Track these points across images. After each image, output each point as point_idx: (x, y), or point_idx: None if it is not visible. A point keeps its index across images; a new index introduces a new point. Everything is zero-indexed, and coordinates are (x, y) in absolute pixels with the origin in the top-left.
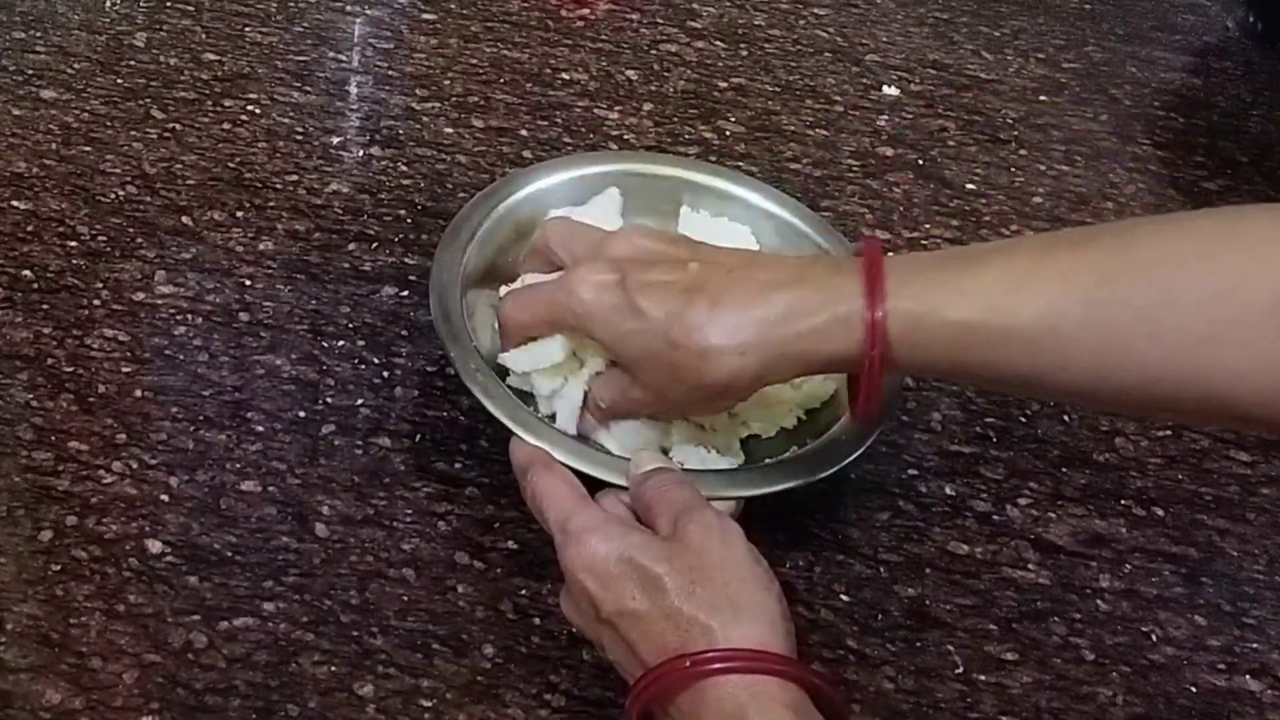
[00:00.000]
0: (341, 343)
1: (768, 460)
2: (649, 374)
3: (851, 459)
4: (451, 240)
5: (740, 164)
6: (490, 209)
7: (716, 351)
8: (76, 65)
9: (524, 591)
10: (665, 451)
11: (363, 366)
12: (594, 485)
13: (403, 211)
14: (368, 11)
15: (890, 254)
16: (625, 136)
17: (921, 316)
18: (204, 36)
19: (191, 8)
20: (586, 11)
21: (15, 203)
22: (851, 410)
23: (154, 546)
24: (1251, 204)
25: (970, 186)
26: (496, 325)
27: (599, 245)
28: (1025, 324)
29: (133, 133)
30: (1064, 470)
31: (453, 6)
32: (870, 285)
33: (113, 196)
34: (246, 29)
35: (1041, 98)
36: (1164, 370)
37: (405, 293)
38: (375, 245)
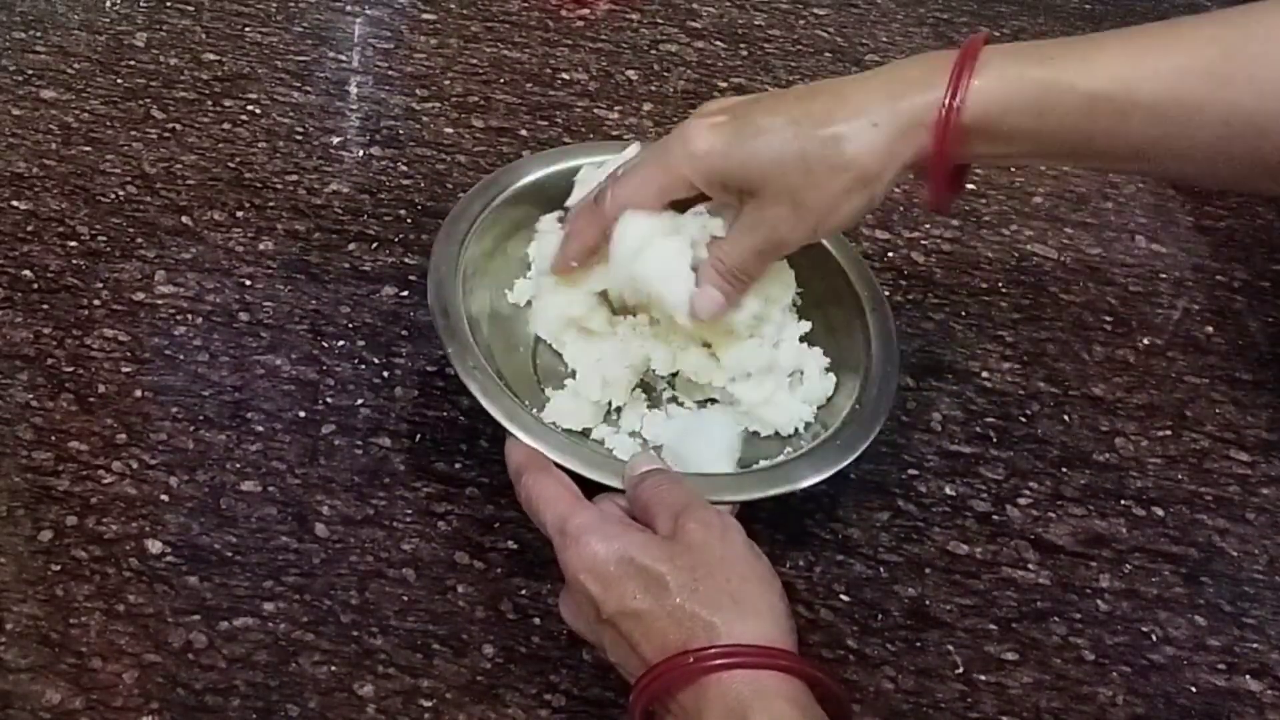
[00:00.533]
0: (341, 343)
1: (763, 463)
2: (780, 184)
3: (848, 463)
4: (449, 235)
5: None
6: (487, 203)
7: (849, 130)
8: (76, 65)
9: (524, 591)
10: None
11: (363, 366)
12: (589, 487)
13: (403, 211)
14: (368, 11)
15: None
16: (625, 136)
17: (1049, 85)
18: (204, 36)
19: (191, 8)
20: (586, 11)
21: (15, 203)
22: (932, 195)
23: (154, 546)
24: None
25: (970, 186)
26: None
27: (685, 124)
28: (1152, 94)
29: (133, 133)
30: (1064, 470)
31: (453, 6)
32: (965, 60)
33: (113, 196)
34: (246, 29)
35: None
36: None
37: (405, 293)
38: (375, 245)
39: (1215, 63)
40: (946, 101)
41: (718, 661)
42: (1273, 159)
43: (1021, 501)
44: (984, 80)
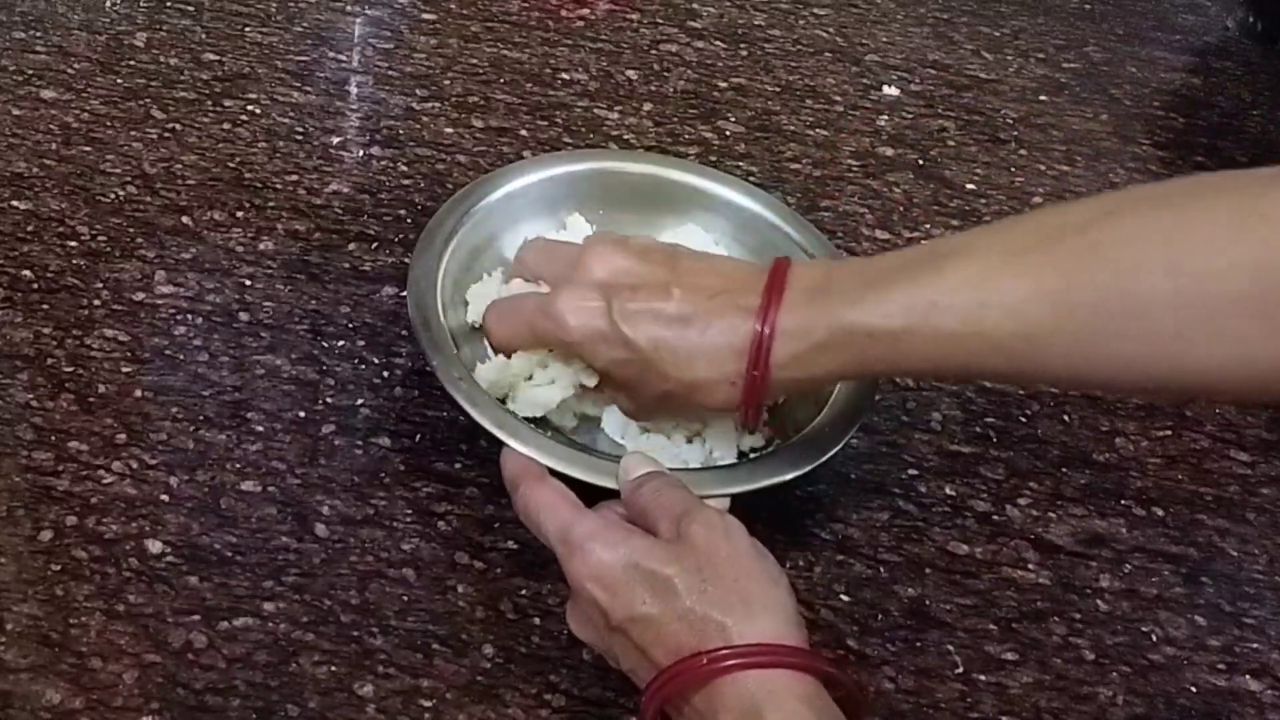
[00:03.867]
0: (341, 343)
1: (753, 455)
2: (640, 395)
3: (836, 449)
4: (427, 246)
5: (740, 164)
6: (464, 213)
7: (707, 383)
8: (76, 65)
9: (524, 591)
10: None
11: (363, 366)
12: (584, 489)
13: (403, 211)
14: (368, 11)
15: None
16: (625, 136)
17: (899, 336)
18: (204, 36)
19: (191, 8)
20: (586, 11)
21: (15, 203)
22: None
23: (154, 546)
24: (1215, 180)
25: (970, 186)
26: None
27: (578, 264)
28: (1000, 332)
29: (133, 133)
30: (1064, 470)
31: (453, 6)
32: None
33: (113, 196)
34: (246, 29)
35: (1041, 98)
36: (1141, 366)
37: (405, 292)
38: (375, 245)
39: (1055, 295)
40: (762, 362)
41: (730, 662)
42: (1133, 380)
43: (1021, 501)
44: (840, 338)
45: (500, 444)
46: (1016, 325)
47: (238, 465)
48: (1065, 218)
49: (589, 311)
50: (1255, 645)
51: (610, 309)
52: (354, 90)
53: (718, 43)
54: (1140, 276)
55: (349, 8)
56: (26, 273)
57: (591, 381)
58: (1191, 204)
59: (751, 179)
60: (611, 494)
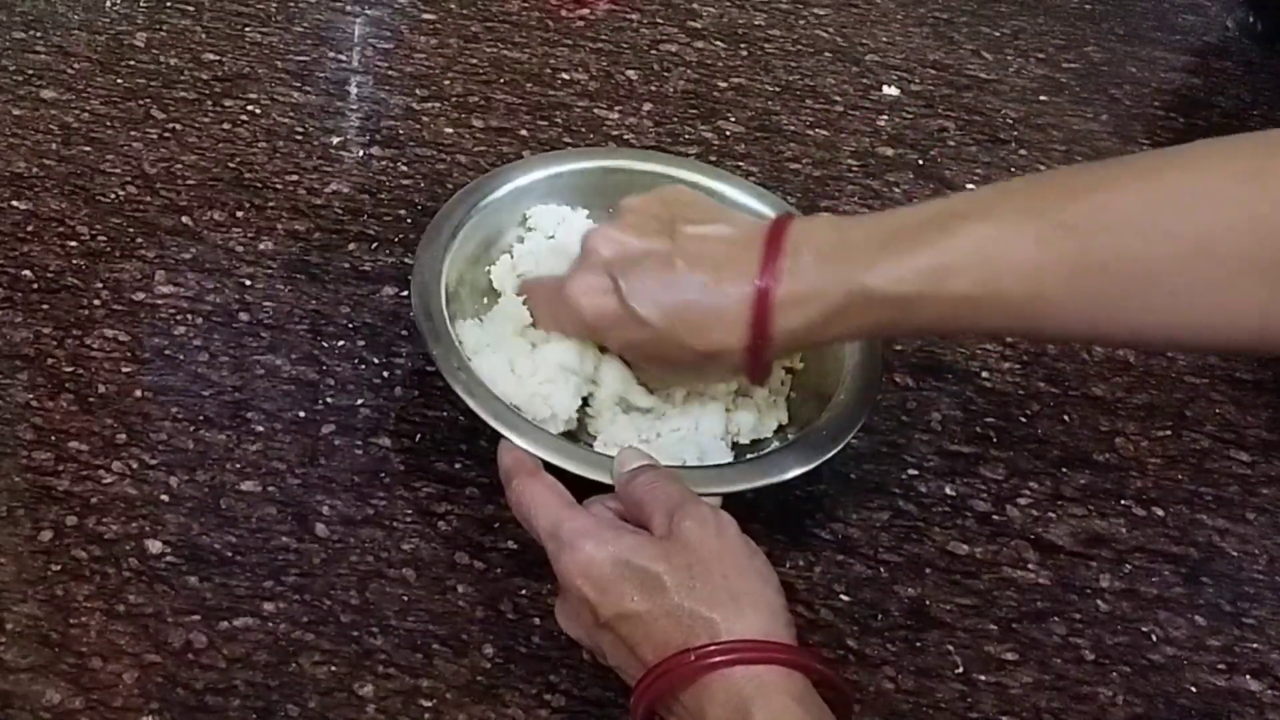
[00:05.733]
0: (341, 343)
1: (750, 455)
2: (661, 367)
3: (835, 451)
4: (432, 239)
5: (740, 164)
6: (470, 207)
7: (725, 350)
8: (76, 65)
9: (524, 591)
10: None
11: (363, 366)
12: (579, 484)
13: (403, 211)
14: (368, 11)
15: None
16: (625, 136)
17: (909, 300)
18: (204, 36)
19: (191, 8)
20: (586, 11)
21: (15, 203)
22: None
23: (154, 546)
24: (1223, 143)
25: (970, 186)
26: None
27: (584, 251)
28: (1014, 296)
29: (133, 133)
30: (1064, 470)
31: (453, 6)
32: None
33: (113, 196)
34: (246, 29)
35: (1041, 98)
36: (1153, 326)
37: (405, 293)
38: (375, 245)
39: (1071, 258)
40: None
41: (718, 659)
42: (1139, 338)
43: (1021, 501)
44: (847, 302)
45: (500, 439)
46: (1029, 288)
47: (238, 465)
48: (1078, 179)
49: (600, 294)
50: (1255, 645)
51: (619, 288)
52: (354, 90)
53: (718, 43)
54: (1151, 238)
55: (349, 8)
56: (26, 273)
57: (589, 370)
58: (1203, 164)
59: (752, 179)
60: (606, 489)
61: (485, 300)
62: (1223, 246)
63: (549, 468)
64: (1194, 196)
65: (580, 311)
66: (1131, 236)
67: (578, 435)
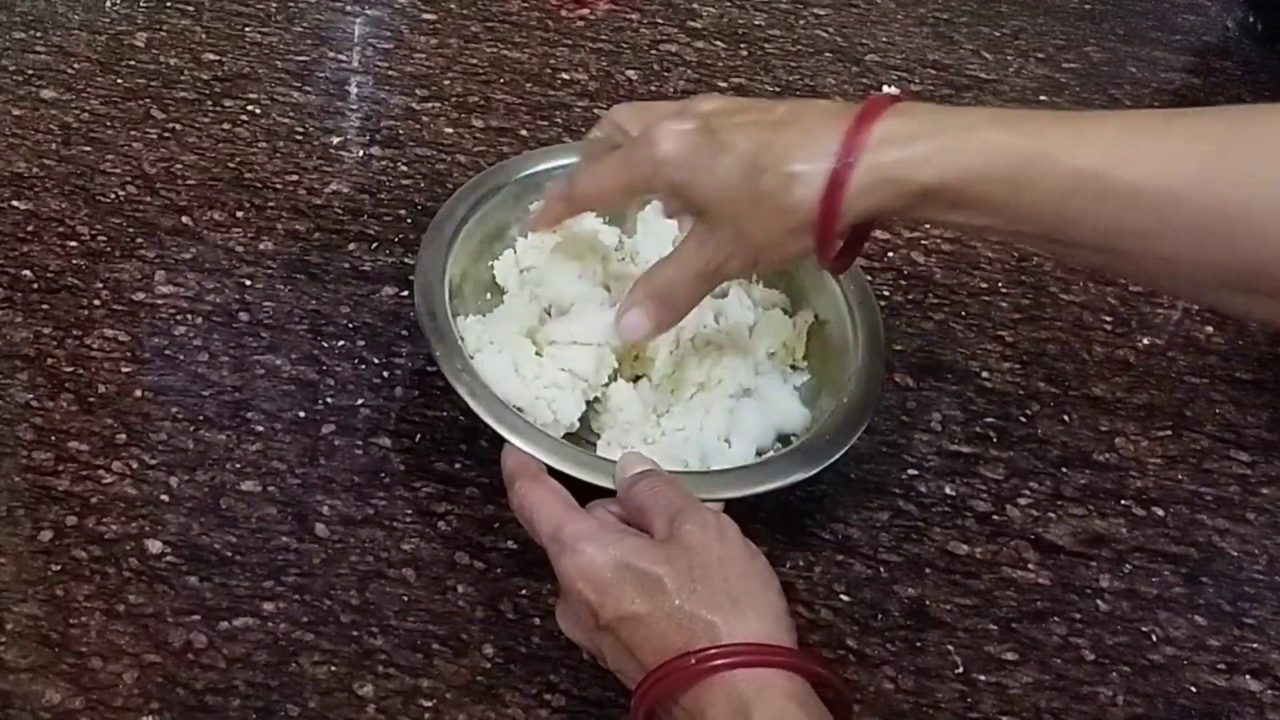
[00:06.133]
0: (341, 343)
1: (754, 459)
2: (728, 210)
3: (836, 458)
4: (435, 237)
5: None
6: (472, 205)
7: (807, 173)
8: (76, 65)
9: (524, 591)
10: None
11: (363, 366)
12: (582, 489)
13: (403, 211)
14: (368, 11)
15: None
16: None
17: (1033, 159)
18: (204, 36)
19: (191, 8)
20: (586, 11)
21: (15, 203)
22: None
23: (154, 546)
24: None
25: None
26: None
27: (682, 105)
28: (1140, 178)
29: (133, 133)
30: (1064, 470)
31: (453, 6)
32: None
33: (113, 196)
34: (246, 29)
35: (1041, 98)
36: (1269, 247)
37: (405, 293)
38: (375, 245)
39: (1208, 156)
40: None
41: (719, 661)
42: (1243, 267)
43: (1021, 501)
44: (963, 142)
45: (502, 439)
46: (1163, 177)
47: (238, 465)
48: (1218, 107)
49: (685, 133)
50: (1255, 645)
51: (709, 125)
52: (354, 90)
53: (718, 43)
54: None
55: (349, 8)
56: (26, 273)
57: (602, 379)
58: None
59: None
60: (609, 493)
61: (489, 296)
62: None
63: (552, 472)
64: None
65: (657, 146)
66: (1275, 150)
67: (581, 435)
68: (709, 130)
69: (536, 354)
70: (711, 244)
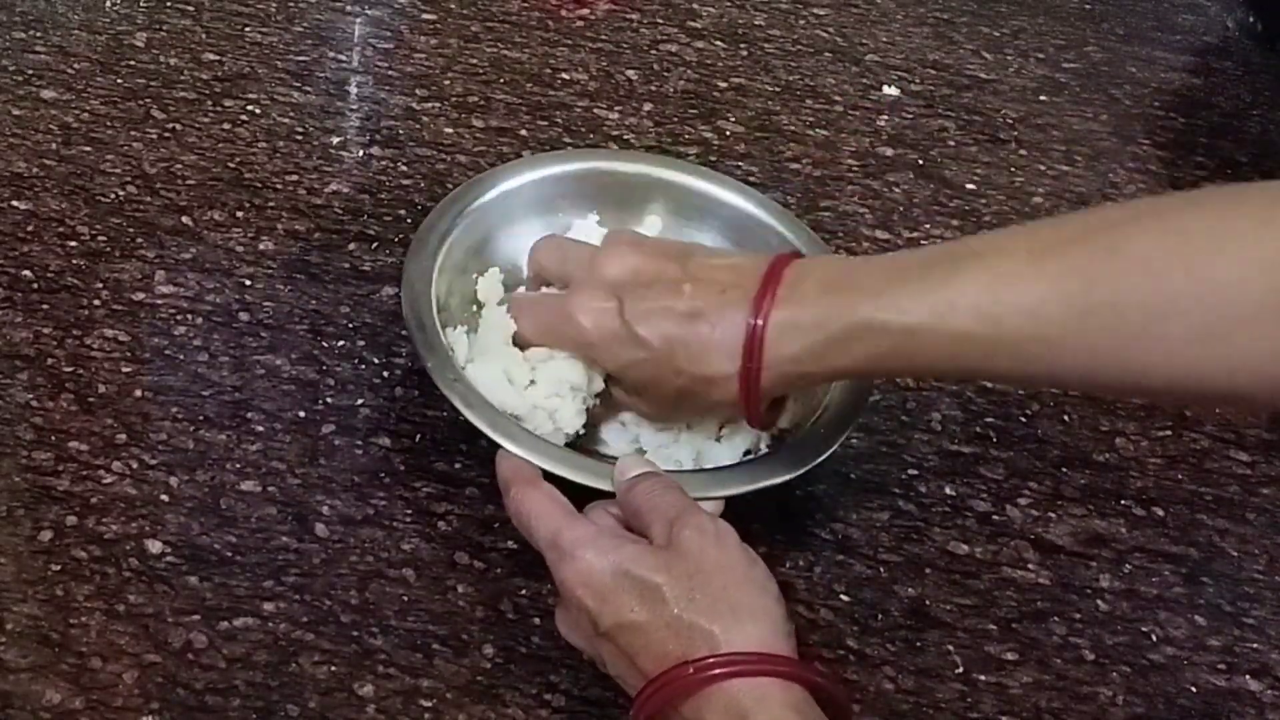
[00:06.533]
0: (341, 343)
1: (749, 458)
2: (655, 395)
3: (829, 453)
4: (420, 248)
5: (740, 164)
6: (457, 214)
7: (720, 377)
8: (76, 65)
9: (524, 591)
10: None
11: (363, 366)
12: (577, 491)
13: (403, 211)
14: (368, 11)
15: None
16: (625, 136)
17: (911, 335)
18: (204, 36)
19: (191, 8)
20: (586, 11)
21: (15, 203)
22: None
23: (154, 546)
24: (1238, 188)
25: (970, 186)
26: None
27: (591, 265)
28: (1014, 332)
29: (133, 133)
30: (1064, 470)
31: (453, 6)
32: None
33: (113, 196)
34: (246, 29)
35: (1041, 98)
36: (1157, 370)
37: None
38: (375, 245)
39: (1074, 297)
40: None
41: (717, 671)
42: (1140, 388)
43: (1021, 501)
44: (844, 333)
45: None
46: (1034, 327)
47: (238, 465)
48: (1088, 220)
49: (603, 313)
50: (1255, 645)
51: (623, 309)
52: (354, 90)
53: (718, 43)
54: (1161, 278)
55: (349, 8)
56: (26, 273)
57: (597, 387)
58: (1215, 207)
59: (751, 179)
60: (606, 496)
61: (475, 309)
62: (1235, 289)
63: (548, 476)
64: (1207, 238)
65: (580, 328)
66: (1141, 276)
67: (579, 443)
68: (622, 316)
69: (522, 352)
70: (643, 407)
